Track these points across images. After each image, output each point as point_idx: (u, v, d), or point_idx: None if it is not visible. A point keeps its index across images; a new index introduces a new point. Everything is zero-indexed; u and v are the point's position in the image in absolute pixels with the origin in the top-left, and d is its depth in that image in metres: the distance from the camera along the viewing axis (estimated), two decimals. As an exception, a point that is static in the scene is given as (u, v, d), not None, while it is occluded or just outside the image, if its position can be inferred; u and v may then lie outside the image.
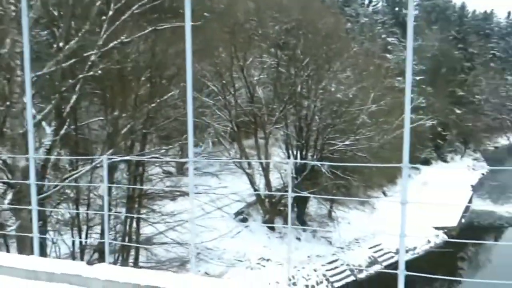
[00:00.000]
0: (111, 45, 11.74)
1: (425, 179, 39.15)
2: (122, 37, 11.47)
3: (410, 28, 2.10)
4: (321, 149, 22.51)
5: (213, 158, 22.54)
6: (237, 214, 22.30)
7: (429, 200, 31.36)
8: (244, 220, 22.33)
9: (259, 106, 22.97)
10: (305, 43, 24.11)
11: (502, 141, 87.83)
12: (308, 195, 20.16)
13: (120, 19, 11.85)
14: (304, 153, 23.14)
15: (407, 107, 2.29)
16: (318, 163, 20.69)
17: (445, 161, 49.79)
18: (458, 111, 50.04)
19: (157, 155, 15.60)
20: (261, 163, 21.61)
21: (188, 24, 3.02)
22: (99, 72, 11.41)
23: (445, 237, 24.43)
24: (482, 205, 33.59)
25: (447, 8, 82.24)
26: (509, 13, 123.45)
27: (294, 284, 18.09)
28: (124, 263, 15.04)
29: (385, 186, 32.51)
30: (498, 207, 32.92)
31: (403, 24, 62.66)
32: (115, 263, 15.19)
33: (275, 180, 23.20)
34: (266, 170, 22.12)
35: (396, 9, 73.23)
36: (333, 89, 24.86)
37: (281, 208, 23.42)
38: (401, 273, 2.50)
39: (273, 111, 22.03)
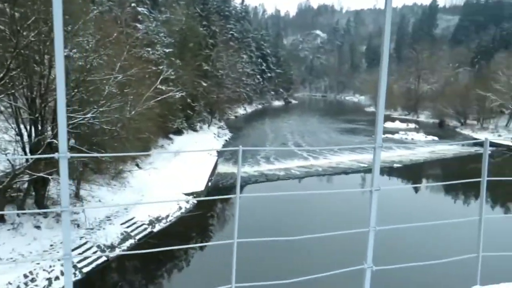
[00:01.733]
0: None
1: (178, 148, 41.13)
2: None
3: None
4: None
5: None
6: None
7: (181, 168, 33.13)
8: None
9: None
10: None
11: (240, 111, 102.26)
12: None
13: None
14: (40, 128, 19.89)
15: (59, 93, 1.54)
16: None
17: (195, 130, 53.66)
18: (204, 84, 54.36)
19: None
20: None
21: None
22: None
23: (194, 201, 26.23)
24: (225, 168, 37.87)
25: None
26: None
27: (33, 280, 15.59)
28: None
29: (138, 158, 32.24)
30: (236, 169, 37.88)
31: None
32: None
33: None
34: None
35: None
36: (75, 56, 22.20)
37: (14, 194, 19.69)
38: None
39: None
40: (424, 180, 40.14)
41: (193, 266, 19.74)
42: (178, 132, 46.98)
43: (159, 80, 33.42)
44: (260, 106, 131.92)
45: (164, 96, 33.73)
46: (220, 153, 45.42)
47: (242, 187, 32.53)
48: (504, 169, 45.11)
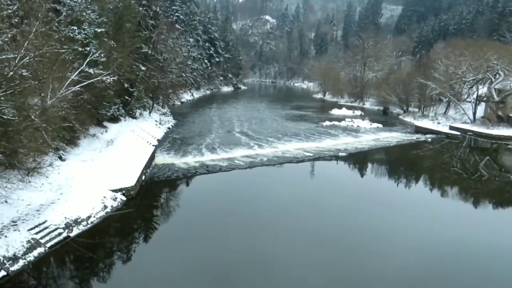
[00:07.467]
0: None
1: (112, 137, 37.84)
2: None
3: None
4: None
5: None
6: None
7: (114, 159, 30.11)
8: None
9: None
10: None
11: (187, 96, 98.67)
12: None
13: None
14: None
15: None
16: None
17: (134, 117, 50.16)
18: (143, 68, 50.77)
19: None
20: None
21: None
22: None
23: (123, 198, 23.62)
24: (163, 159, 35.23)
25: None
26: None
27: None
28: None
29: (63, 149, 28.81)
30: (177, 159, 35.38)
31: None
32: None
33: None
34: None
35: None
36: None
37: None
38: None
39: None
40: (371, 165, 39.88)
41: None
42: (114, 119, 43.44)
43: (85, 63, 29.92)
44: (208, 92, 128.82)
45: (92, 80, 30.34)
46: (159, 142, 42.60)
47: (178, 181, 30.07)
48: (443, 155, 46.38)
